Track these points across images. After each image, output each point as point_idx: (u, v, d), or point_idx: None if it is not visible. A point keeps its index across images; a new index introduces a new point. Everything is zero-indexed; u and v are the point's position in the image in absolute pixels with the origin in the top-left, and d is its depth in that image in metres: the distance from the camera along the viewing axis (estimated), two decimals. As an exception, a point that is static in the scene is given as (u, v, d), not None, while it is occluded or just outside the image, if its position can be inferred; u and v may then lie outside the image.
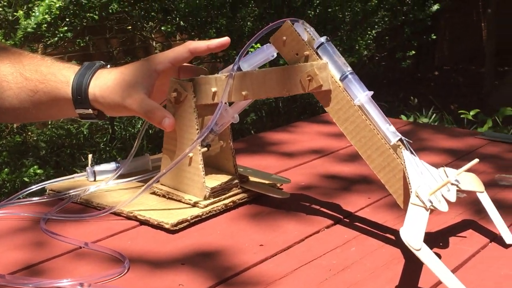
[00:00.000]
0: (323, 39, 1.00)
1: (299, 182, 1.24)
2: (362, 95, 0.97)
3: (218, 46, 1.06)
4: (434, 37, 3.87)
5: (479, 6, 6.10)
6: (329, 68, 0.98)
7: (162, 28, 2.93)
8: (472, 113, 3.51)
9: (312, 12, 3.13)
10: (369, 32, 3.31)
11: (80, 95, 1.03)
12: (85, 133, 3.42)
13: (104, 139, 3.38)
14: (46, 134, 3.34)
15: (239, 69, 1.04)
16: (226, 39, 1.05)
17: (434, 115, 3.88)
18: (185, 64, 1.09)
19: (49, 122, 3.55)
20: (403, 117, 3.68)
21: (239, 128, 3.44)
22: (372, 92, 0.98)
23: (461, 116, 3.58)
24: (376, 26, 3.39)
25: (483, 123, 3.49)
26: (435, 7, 3.63)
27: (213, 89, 1.05)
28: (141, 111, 1.02)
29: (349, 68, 0.99)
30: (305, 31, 1.01)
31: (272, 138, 1.54)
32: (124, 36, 3.44)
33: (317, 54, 0.99)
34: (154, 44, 3.46)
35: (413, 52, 3.77)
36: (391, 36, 3.90)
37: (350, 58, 3.26)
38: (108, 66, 1.09)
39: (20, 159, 2.89)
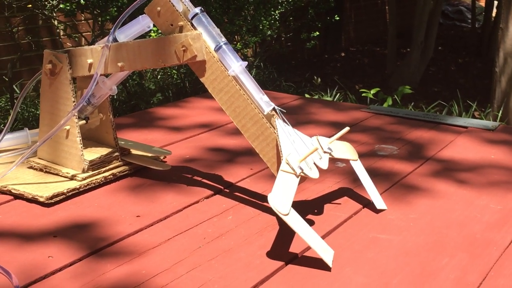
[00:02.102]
0: (197, 9, 0.99)
1: (183, 155, 1.23)
2: (236, 66, 0.97)
3: None
4: (338, 18, 3.93)
5: (383, -11, 6.24)
6: (204, 39, 0.97)
7: (61, 5, 2.84)
8: (372, 91, 3.59)
9: (216, -8, 3.10)
10: (273, 12, 3.32)
11: None
12: (-16, 114, 3.29)
13: (6, 121, 3.26)
14: None
15: (115, 40, 1.02)
16: None
17: (338, 94, 3.94)
18: None
19: None
20: (307, 95, 3.73)
21: (145, 108, 3.39)
22: (246, 63, 0.98)
23: (363, 95, 3.66)
24: (280, 7, 3.41)
25: (384, 102, 3.58)
26: (338, -12, 3.68)
27: (89, 61, 1.03)
28: None
29: (224, 39, 0.98)
30: (180, 2, 1.00)
31: (161, 113, 1.53)
32: (24, 14, 3.32)
33: (192, 24, 0.99)
34: (56, 23, 3.35)
35: (318, 33, 3.81)
36: (296, 17, 3.93)
37: (254, 38, 3.26)
38: None
39: None
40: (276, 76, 4.32)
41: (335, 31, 5.57)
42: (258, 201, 1.04)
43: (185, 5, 1.00)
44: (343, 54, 5.73)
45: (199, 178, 1.12)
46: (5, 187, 1.01)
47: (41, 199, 0.98)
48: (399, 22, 5.10)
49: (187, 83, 3.61)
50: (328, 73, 4.96)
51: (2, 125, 3.20)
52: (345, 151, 1.05)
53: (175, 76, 3.61)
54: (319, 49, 5.45)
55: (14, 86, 3.43)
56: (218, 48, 0.98)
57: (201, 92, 3.58)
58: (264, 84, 3.78)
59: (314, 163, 0.95)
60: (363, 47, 6.00)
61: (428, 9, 4.65)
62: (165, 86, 3.69)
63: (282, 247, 0.89)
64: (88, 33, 3.50)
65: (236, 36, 3.38)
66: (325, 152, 0.99)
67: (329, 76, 4.80)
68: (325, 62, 5.42)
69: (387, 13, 6.01)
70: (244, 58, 3.67)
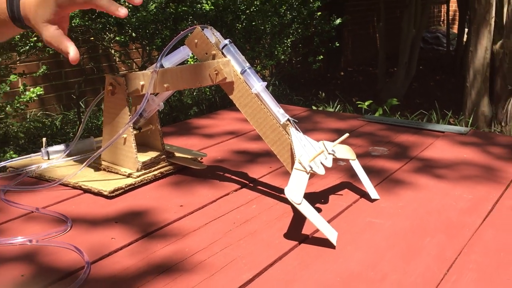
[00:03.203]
0: (227, 41, 1.00)
1: (215, 157, 1.24)
2: (258, 85, 0.98)
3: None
4: (338, 44, 3.92)
5: (374, 21, 6.22)
6: (232, 64, 0.99)
7: (117, 38, 2.87)
8: (366, 103, 3.58)
9: (240, 25, 3.12)
10: (285, 41, 3.33)
11: (14, 14, 0.87)
12: (57, 125, 3.34)
13: (73, 130, 3.30)
14: (25, 127, 3.24)
15: (161, 66, 1.04)
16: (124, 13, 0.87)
17: (339, 106, 3.94)
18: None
19: (28, 117, 3.44)
20: (313, 107, 3.73)
21: (184, 119, 3.41)
22: (265, 83, 0.99)
23: (359, 106, 3.65)
24: (291, 36, 3.42)
25: (376, 112, 3.57)
26: (338, 21, 3.68)
27: (141, 83, 1.04)
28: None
29: (248, 64, 0.99)
30: (213, 35, 1.01)
31: (197, 123, 1.54)
32: (88, 45, 3.36)
33: (222, 53, 1.00)
34: (113, 52, 3.39)
35: (321, 57, 3.81)
36: (304, 44, 3.94)
37: (270, 61, 3.27)
38: None
39: (2, 148, 2.80)
40: (288, 92, 4.32)
41: (336, 55, 5.56)
42: (277, 193, 1.05)
43: (216, 37, 1.02)
44: (342, 73, 5.72)
45: (229, 175, 1.13)
46: (77, 183, 1.03)
47: (105, 193, 1.00)
48: (387, 47, 5.08)
49: (217, 98, 3.63)
50: (331, 89, 4.95)
51: (71, 133, 3.24)
52: (346, 152, 1.06)
53: (207, 93, 3.64)
54: (323, 70, 5.45)
55: (80, 103, 3.47)
56: (243, 72, 0.99)
57: (229, 106, 3.60)
58: (279, 98, 3.79)
59: (321, 162, 0.96)
60: (359, 68, 5.99)
61: (411, 35, 4.63)
62: (199, 101, 3.72)
63: (296, 229, 0.90)
64: (138, 59, 3.53)
65: (256, 60, 3.40)
66: (329, 153, 0.99)
67: (331, 91, 4.80)
68: (328, 80, 5.41)
69: (378, 40, 5.98)
70: (263, 78, 3.68)
